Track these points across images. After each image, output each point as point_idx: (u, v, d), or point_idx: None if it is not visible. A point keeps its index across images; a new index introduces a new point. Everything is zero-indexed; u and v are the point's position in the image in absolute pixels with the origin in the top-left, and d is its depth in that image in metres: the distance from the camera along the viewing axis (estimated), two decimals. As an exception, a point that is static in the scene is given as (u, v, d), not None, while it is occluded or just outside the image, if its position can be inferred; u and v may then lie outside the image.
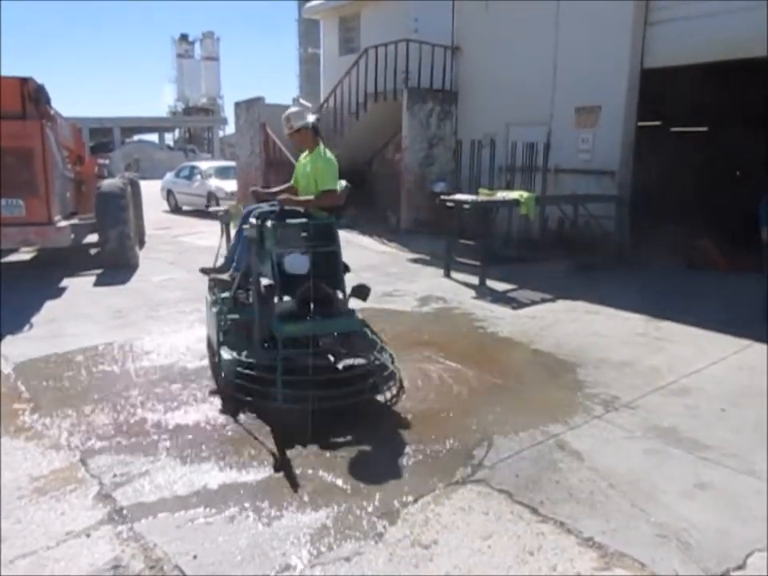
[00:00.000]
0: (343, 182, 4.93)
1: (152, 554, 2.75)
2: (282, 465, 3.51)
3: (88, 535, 2.87)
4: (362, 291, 4.85)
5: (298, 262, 4.36)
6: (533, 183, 10.78)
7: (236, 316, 4.72)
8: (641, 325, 6.54)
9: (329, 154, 4.89)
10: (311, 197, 4.75)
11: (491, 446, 3.74)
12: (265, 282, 4.52)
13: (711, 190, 12.40)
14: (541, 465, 3.54)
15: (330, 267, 4.57)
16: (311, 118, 4.94)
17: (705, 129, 14.99)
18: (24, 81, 7.95)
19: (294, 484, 3.31)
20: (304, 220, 4.61)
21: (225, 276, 4.97)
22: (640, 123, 10.75)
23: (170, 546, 2.79)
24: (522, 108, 11.79)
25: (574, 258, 9.50)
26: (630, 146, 10.55)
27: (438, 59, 13.04)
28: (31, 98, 8.01)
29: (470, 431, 3.96)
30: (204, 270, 5.36)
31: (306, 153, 5.00)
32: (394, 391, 4.53)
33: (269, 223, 4.48)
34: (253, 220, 4.64)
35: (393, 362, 4.77)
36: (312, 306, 4.39)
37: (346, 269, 4.88)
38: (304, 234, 4.50)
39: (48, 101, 8.48)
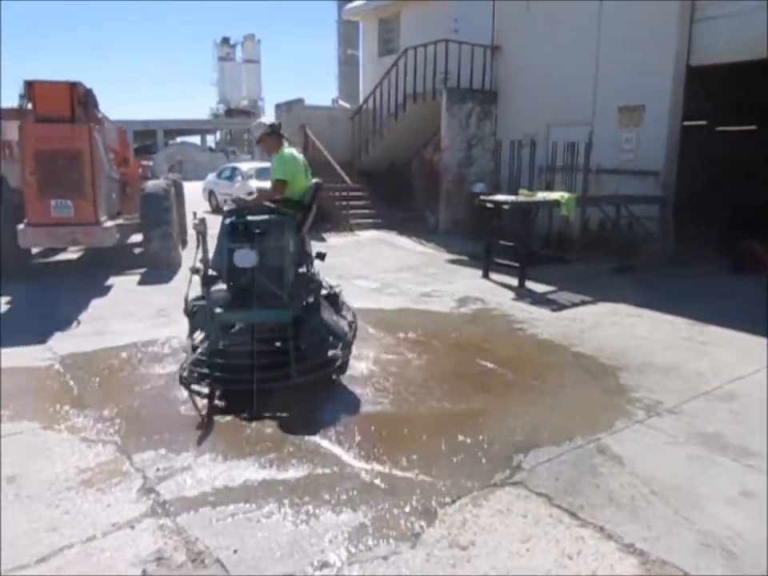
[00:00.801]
0: (313, 180, 5.30)
1: (194, 547, 2.80)
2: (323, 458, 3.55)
3: (132, 527, 2.95)
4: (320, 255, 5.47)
5: (244, 256, 4.58)
6: (573, 184, 10.64)
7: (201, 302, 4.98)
8: (685, 328, 6.40)
9: (289, 151, 5.24)
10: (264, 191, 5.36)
11: (530, 449, 3.71)
12: (210, 273, 4.82)
13: (758, 190, 12.07)
14: (581, 469, 3.49)
15: (276, 262, 4.81)
16: (267, 122, 5.36)
17: (752, 128, 14.60)
18: (73, 85, 8.19)
19: (332, 482, 3.34)
20: (259, 217, 4.88)
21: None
22: (685, 122, 10.53)
23: (211, 540, 2.84)
24: (563, 108, 11.67)
25: (615, 260, 9.34)
26: (674, 146, 10.35)
27: (477, 59, 12.99)
28: (80, 101, 8.24)
29: (508, 433, 3.93)
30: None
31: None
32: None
33: (227, 220, 4.86)
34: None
35: (343, 348, 4.90)
36: (254, 296, 4.73)
37: (319, 256, 5.47)
38: (258, 231, 4.76)
39: (96, 104, 8.73)
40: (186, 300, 4.91)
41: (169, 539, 2.86)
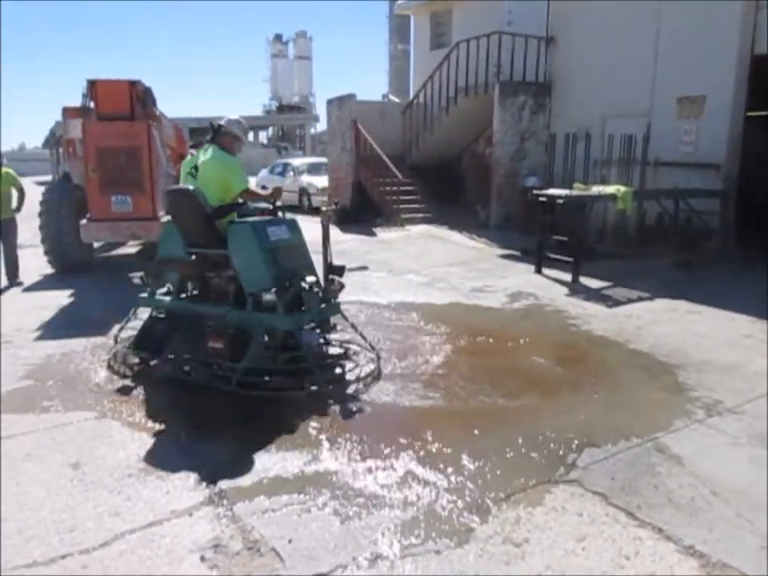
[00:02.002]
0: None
1: (249, 535, 2.86)
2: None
3: (190, 514, 3.02)
4: (336, 269, 5.23)
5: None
6: (630, 177, 10.40)
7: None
8: (746, 326, 6.18)
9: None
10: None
11: (585, 447, 3.65)
12: None
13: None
14: (638, 468, 3.42)
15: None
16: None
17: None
18: (133, 84, 8.42)
19: (384, 475, 3.35)
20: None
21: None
22: (748, 113, 10.14)
23: (266, 529, 2.89)
24: (619, 99, 11.38)
25: (673, 256, 9.09)
26: (737, 138, 9.97)
27: (531, 51, 12.77)
28: (139, 99, 8.47)
29: (562, 430, 3.87)
30: None
31: None
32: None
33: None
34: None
35: None
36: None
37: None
38: None
39: (154, 102, 8.95)
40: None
41: (225, 527, 2.92)
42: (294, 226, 5.15)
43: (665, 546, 2.76)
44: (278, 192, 5.33)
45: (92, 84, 8.30)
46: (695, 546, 2.75)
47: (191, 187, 4.92)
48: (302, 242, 5.19)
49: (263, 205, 5.39)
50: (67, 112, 9.20)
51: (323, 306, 4.97)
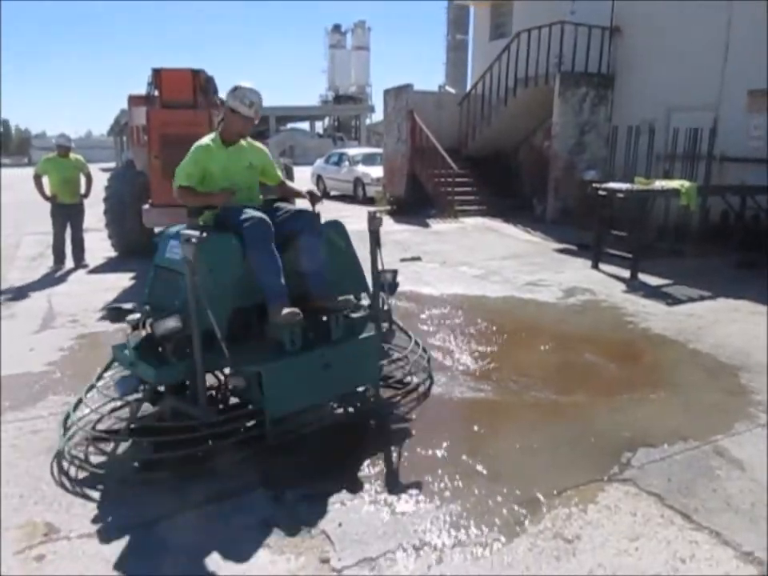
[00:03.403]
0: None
1: (300, 517, 2.91)
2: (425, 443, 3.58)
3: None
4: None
5: None
6: (694, 173, 10.05)
7: None
8: (816, 329, 5.91)
9: None
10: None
11: (640, 446, 3.56)
12: None
13: None
14: (696, 470, 3.32)
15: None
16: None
17: None
18: (195, 73, 8.57)
19: (434, 466, 3.36)
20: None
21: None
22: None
23: (314, 512, 2.94)
24: (685, 92, 11.02)
25: (738, 254, 8.76)
26: (811, 133, 9.53)
27: (594, 42, 12.48)
28: (201, 88, 8.63)
29: (618, 428, 3.79)
30: None
31: (224, 142, 3.99)
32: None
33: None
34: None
35: None
36: None
37: None
38: None
39: (216, 91, 9.10)
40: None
41: (276, 510, 2.98)
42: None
43: (722, 551, 2.68)
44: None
45: (156, 73, 8.49)
46: (755, 553, 2.66)
47: None
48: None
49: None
50: (132, 100, 9.45)
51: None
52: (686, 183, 8.45)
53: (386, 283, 4.26)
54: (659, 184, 8.65)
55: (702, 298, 7.05)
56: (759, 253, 8.81)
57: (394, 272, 4.40)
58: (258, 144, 4.13)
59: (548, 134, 13.29)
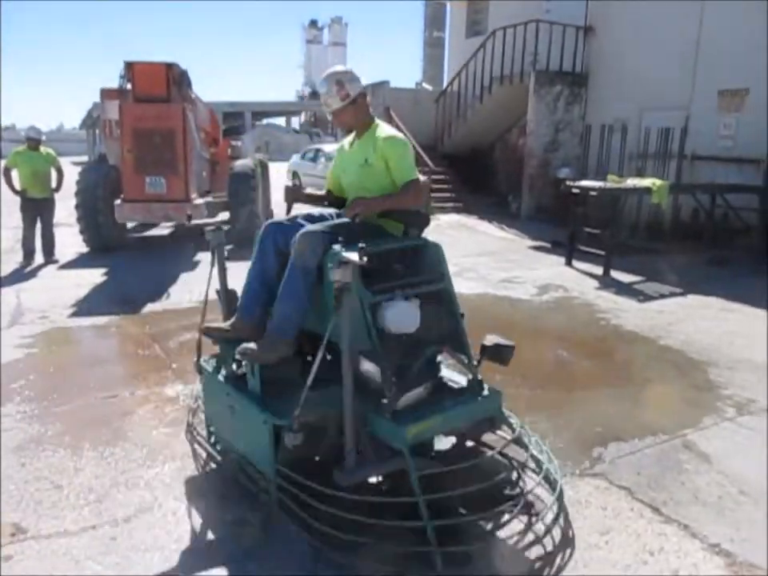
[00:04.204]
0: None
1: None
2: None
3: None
4: (501, 352, 3.18)
5: (404, 315, 2.70)
6: (666, 171, 10.22)
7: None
8: (783, 326, 6.04)
9: (393, 128, 3.26)
10: (389, 195, 3.07)
11: (611, 441, 3.61)
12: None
13: None
14: (665, 464, 3.37)
15: (443, 318, 2.97)
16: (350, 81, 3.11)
17: None
18: (169, 66, 8.50)
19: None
20: (396, 243, 3.04)
21: (225, 326, 3.20)
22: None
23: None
24: (658, 91, 11.16)
25: (708, 251, 8.91)
26: (780, 133, 9.71)
27: (568, 40, 12.60)
28: (175, 82, 8.56)
29: (588, 424, 3.84)
30: (208, 330, 3.24)
31: (354, 135, 3.29)
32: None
33: (349, 253, 2.61)
34: (337, 247, 2.79)
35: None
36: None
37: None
38: (397, 267, 2.98)
39: (189, 85, 9.03)
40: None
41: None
42: None
43: (690, 544, 2.72)
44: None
45: (129, 66, 8.40)
46: (721, 545, 2.71)
47: None
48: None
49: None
50: (105, 93, 9.33)
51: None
52: (658, 181, 8.56)
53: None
54: (631, 182, 8.77)
55: (673, 295, 7.16)
56: (729, 250, 8.98)
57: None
58: (392, 134, 3.14)
59: (523, 131, 13.39)
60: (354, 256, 2.51)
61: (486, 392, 3.00)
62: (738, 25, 9.81)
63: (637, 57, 11.54)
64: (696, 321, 6.17)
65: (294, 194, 3.37)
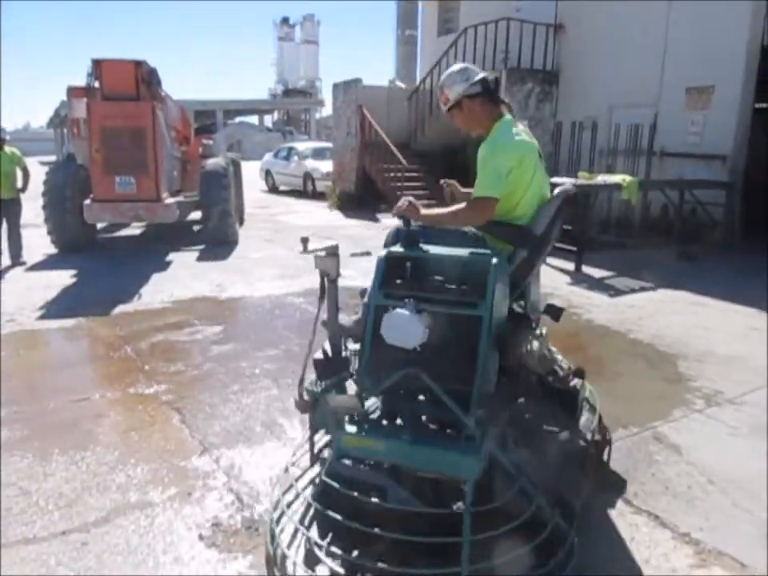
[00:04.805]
0: (560, 186, 3.05)
1: (248, 515, 2.88)
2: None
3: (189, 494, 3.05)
4: (556, 311, 3.11)
5: (400, 325, 2.42)
6: (635, 167, 10.36)
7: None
8: (750, 319, 6.17)
9: (508, 131, 2.81)
10: (449, 209, 2.88)
11: (583, 434, 3.65)
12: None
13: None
14: (635, 456, 3.43)
15: (465, 347, 2.44)
16: (478, 76, 2.92)
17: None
18: (138, 64, 8.39)
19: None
20: (443, 251, 2.68)
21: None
22: (757, 105, 10.07)
23: (261, 509, 2.92)
24: (627, 89, 11.31)
25: (677, 246, 9.06)
26: (744, 129, 9.92)
27: (539, 38, 12.68)
28: (144, 80, 8.44)
29: (561, 418, 3.88)
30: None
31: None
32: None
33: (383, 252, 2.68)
34: None
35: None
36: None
37: (552, 313, 3.09)
38: (439, 278, 2.58)
39: (159, 83, 8.92)
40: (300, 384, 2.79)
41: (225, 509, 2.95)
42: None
43: (660, 533, 2.77)
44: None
45: (97, 64, 8.27)
46: (691, 534, 2.76)
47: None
48: None
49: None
50: (72, 91, 9.19)
51: None
52: (628, 178, 8.68)
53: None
54: (602, 178, 8.88)
55: (644, 290, 7.27)
56: (697, 245, 9.14)
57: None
58: (487, 140, 2.83)
59: (495, 129, 13.44)
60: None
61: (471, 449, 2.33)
62: (704, 24, 9.98)
63: (606, 55, 11.67)
64: (666, 315, 6.28)
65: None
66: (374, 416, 2.55)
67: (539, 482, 2.41)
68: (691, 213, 9.69)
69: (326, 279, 2.82)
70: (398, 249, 2.69)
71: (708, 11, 9.89)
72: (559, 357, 3.35)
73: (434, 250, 2.68)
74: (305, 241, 2.84)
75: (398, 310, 2.42)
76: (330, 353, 2.87)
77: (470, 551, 2.16)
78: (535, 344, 2.88)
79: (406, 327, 2.40)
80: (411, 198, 2.87)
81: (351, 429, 2.46)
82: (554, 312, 3.10)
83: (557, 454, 2.64)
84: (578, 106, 12.26)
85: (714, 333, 5.70)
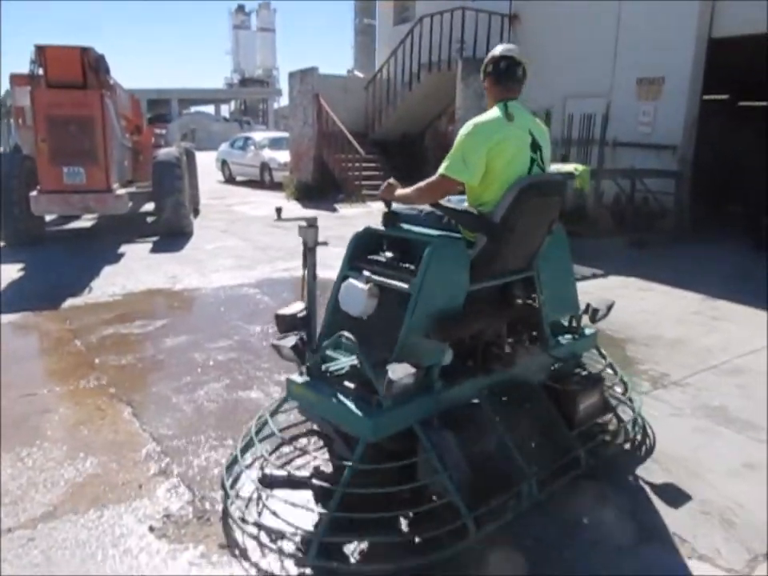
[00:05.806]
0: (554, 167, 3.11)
1: (200, 506, 2.87)
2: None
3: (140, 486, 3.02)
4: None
5: (349, 293, 2.71)
6: (589, 157, 10.53)
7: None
8: (696, 303, 6.36)
9: (495, 114, 2.86)
10: (413, 187, 2.99)
11: (534, 418, 3.72)
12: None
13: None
14: (584, 438, 3.51)
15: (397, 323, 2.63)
16: (497, 50, 3.18)
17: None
18: (84, 50, 8.16)
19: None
20: (410, 232, 2.94)
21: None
22: (705, 96, 10.33)
23: (213, 498, 2.91)
24: (580, 80, 11.48)
25: (629, 235, 9.27)
26: (693, 120, 10.18)
27: (494, 28, 12.77)
28: (91, 67, 8.22)
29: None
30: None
31: None
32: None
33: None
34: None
35: None
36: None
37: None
38: (394, 256, 2.91)
39: (107, 71, 8.70)
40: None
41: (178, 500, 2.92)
42: None
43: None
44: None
45: (41, 50, 8.01)
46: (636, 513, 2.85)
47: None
48: None
49: None
50: (15, 79, 8.91)
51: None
52: (580, 166, 8.80)
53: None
54: (555, 167, 8.97)
55: (595, 276, 7.41)
56: (648, 233, 9.35)
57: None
58: (482, 115, 2.92)
59: (452, 118, 13.51)
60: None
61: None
62: (654, 16, 10.17)
63: (560, 45, 11.81)
64: (616, 300, 6.40)
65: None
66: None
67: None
68: (643, 202, 9.91)
69: (307, 252, 3.00)
70: (377, 227, 3.03)
71: (659, 4, 10.09)
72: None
73: (403, 230, 2.96)
74: (279, 210, 3.04)
75: (350, 280, 2.71)
76: (294, 312, 3.08)
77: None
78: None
79: (353, 296, 2.68)
80: (391, 180, 3.05)
81: (298, 379, 2.86)
82: (593, 314, 3.73)
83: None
84: (532, 95, 12.16)
85: (660, 317, 5.86)
